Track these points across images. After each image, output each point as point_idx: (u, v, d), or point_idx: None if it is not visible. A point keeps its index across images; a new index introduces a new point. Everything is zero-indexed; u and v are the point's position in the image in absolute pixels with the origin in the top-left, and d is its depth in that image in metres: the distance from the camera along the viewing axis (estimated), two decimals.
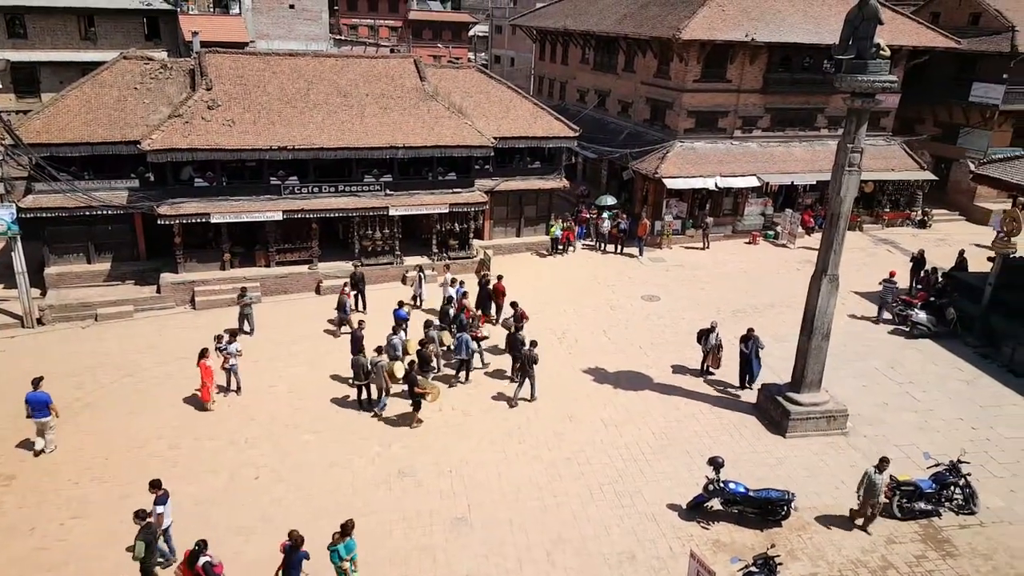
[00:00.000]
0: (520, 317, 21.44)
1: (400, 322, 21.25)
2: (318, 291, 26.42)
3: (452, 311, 22.06)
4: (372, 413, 18.67)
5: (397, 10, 74.59)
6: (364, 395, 18.96)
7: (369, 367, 18.53)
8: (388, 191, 27.05)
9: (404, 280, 27.11)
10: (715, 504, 15.15)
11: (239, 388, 19.38)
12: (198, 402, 18.63)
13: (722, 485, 14.90)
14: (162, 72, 27.19)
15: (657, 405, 19.48)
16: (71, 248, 25.31)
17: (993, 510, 15.65)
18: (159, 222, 24.42)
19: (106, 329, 23.19)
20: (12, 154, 22.55)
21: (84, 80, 26.14)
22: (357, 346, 19.39)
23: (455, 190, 28.00)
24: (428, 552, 13.94)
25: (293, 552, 12.13)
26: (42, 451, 16.54)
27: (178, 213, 24.46)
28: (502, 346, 21.93)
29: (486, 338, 22.04)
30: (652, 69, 35.18)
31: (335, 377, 20.42)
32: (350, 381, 19.51)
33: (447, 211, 27.72)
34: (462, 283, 23.66)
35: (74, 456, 16.48)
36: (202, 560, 12.00)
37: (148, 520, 12.47)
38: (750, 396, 19.97)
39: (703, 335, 20.93)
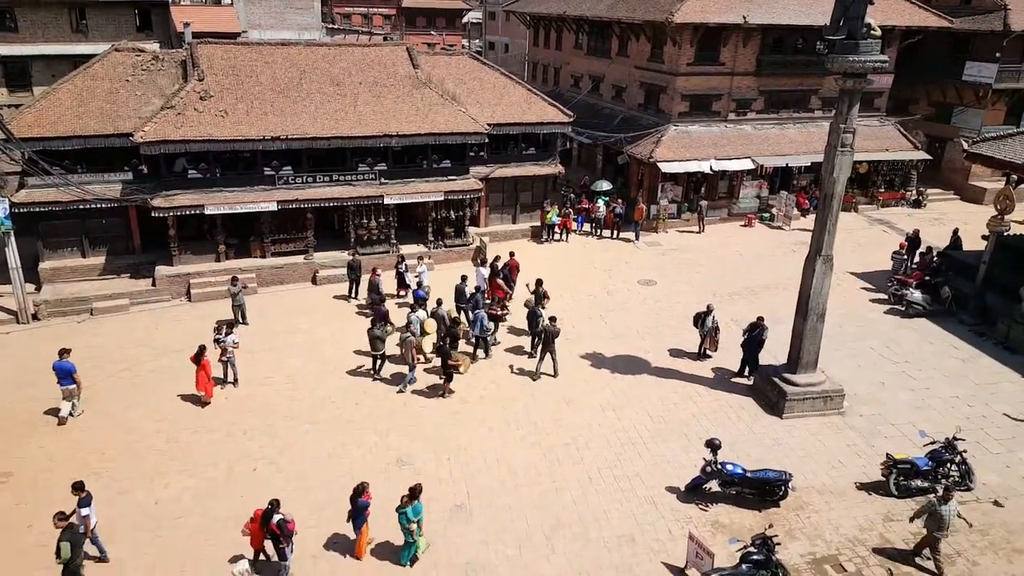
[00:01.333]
0: (542, 295, 21.92)
1: (419, 301, 21.84)
2: (314, 281, 26.41)
3: (468, 291, 22.35)
4: (398, 389, 19.25)
5: None
6: (379, 363, 19.93)
7: (384, 338, 19.68)
8: (383, 180, 26.98)
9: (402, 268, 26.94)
10: (713, 486, 15.25)
11: (236, 380, 19.41)
12: (196, 396, 18.63)
13: (720, 467, 14.98)
14: (154, 64, 27.04)
15: (655, 388, 19.56)
16: (65, 243, 25.23)
17: (989, 486, 15.77)
18: (153, 214, 24.36)
19: (102, 323, 23.18)
20: (4, 148, 22.45)
21: (76, 73, 26.00)
22: (381, 318, 20.38)
23: (450, 177, 27.95)
24: (428, 540, 14.01)
25: (356, 498, 13.21)
26: (68, 416, 17.50)
27: (172, 205, 24.39)
28: (519, 326, 22.42)
29: (504, 318, 22.54)
30: (646, 53, 35.04)
31: (332, 367, 20.45)
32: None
33: (442, 199, 27.67)
34: (486, 262, 24.73)
35: (71, 451, 16.50)
36: (276, 518, 12.56)
37: (70, 521, 12.39)
38: (747, 379, 20.04)
39: (699, 318, 20.97)
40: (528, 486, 15.59)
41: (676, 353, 21.55)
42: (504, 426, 17.74)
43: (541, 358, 20.13)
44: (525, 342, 21.88)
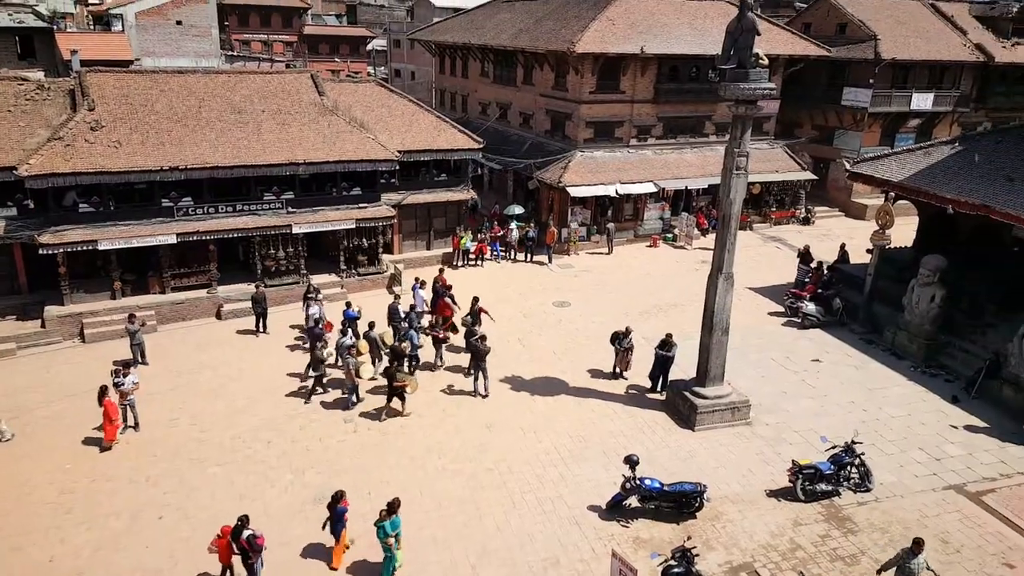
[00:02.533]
0: (478, 312, 22.44)
1: (350, 322, 21.76)
2: (219, 316, 25.47)
3: (404, 311, 22.52)
4: (345, 418, 19.18)
5: (291, 25, 73.07)
6: (317, 387, 20.12)
7: (325, 360, 19.98)
8: (290, 208, 26.43)
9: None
10: (633, 502, 15.54)
11: (137, 424, 18.37)
12: (93, 442, 17.55)
13: (638, 483, 15.29)
14: (39, 93, 25.62)
15: (573, 408, 19.83)
16: None
17: (886, 485, 16.75)
18: (41, 252, 22.97)
19: None
20: None
21: None
22: (317, 341, 20.48)
23: (361, 205, 27.66)
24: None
25: (335, 505, 13.68)
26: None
27: (62, 241, 23.08)
28: (458, 343, 22.72)
29: (448, 339, 22.50)
30: (550, 82, 35.91)
31: (241, 405, 19.72)
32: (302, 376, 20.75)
33: (354, 227, 27.33)
34: (424, 283, 24.93)
35: None
36: (245, 534, 12.83)
37: None
38: (659, 395, 20.62)
39: (617, 337, 21.37)
40: (452, 515, 15.45)
41: (593, 373, 21.94)
42: (425, 455, 17.55)
43: (476, 377, 20.43)
44: (463, 359, 21.94)
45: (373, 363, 21.42)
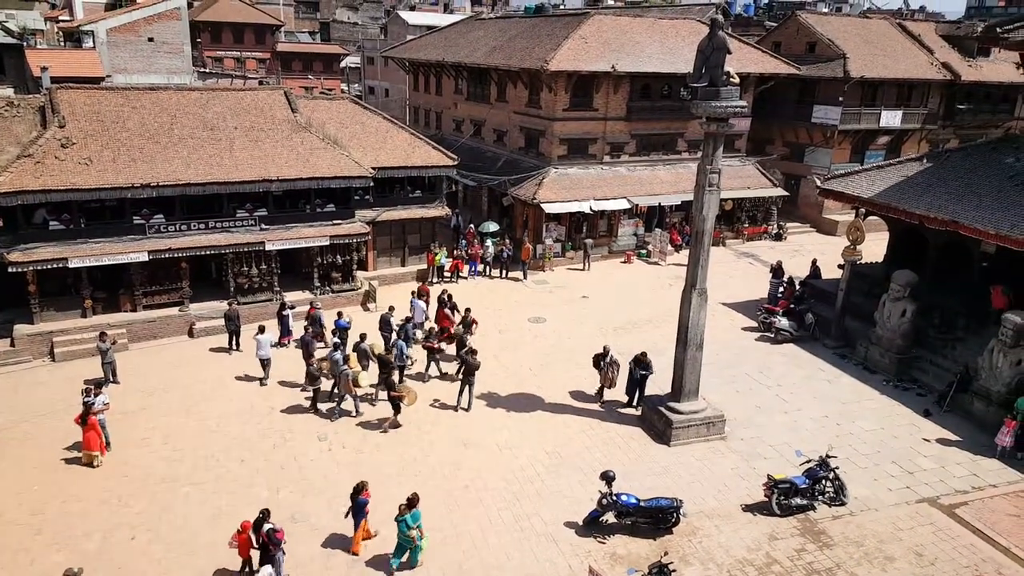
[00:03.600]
0: (470, 323, 23.15)
1: (341, 331, 22.21)
2: (191, 334, 25.14)
3: (398, 323, 23.19)
4: (332, 416, 19.81)
5: (264, 42, 72.82)
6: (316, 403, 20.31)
7: (318, 376, 20.20)
8: (264, 225, 26.24)
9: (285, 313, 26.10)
10: (610, 518, 15.53)
11: (108, 443, 18.03)
12: (65, 462, 17.20)
13: (615, 498, 15.30)
14: (8, 110, 25.27)
15: (549, 424, 19.82)
16: None
17: (861, 499, 16.92)
18: (10, 270, 22.55)
19: None
20: None
21: None
22: (309, 352, 21.24)
23: (335, 222, 27.55)
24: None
25: (356, 496, 14.52)
26: None
27: (32, 259, 22.70)
28: (449, 352, 23.03)
29: (441, 351, 22.75)
30: (524, 99, 36.16)
31: (214, 424, 19.44)
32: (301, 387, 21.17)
33: (328, 243, 27.19)
34: (424, 294, 25.87)
35: None
36: (266, 527, 13.44)
37: None
38: (635, 409, 20.68)
39: (598, 360, 20.98)
40: (429, 533, 15.29)
41: (568, 388, 21.94)
42: (400, 473, 17.41)
43: (461, 391, 20.54)
44: (453, 368, 22.08)
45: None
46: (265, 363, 21.71)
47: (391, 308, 24.22)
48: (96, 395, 17.89)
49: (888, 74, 39.81)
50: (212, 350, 24.15)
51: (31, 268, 22.74)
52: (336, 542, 14.98)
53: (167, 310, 25.30)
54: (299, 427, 19.41)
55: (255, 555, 13.83)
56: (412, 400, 20.16)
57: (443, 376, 22.39)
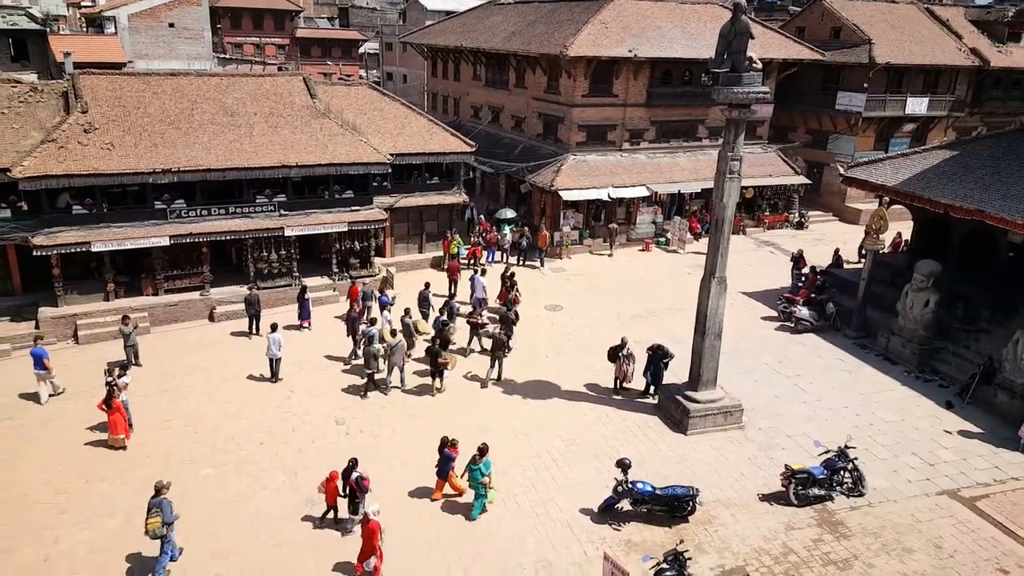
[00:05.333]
0: (514, 301, 24.10)
1: (383, 307, 23.30)
2: (211, 318, 25.39)
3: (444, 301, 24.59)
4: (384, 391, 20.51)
5: (283, 28, 72.95)
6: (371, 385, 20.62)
7: (377, 356, 20.25)
8: (283, 211, 26.37)
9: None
10: (625, 505, 15.54)
11: (131, 425, 18.32)
12: (89, 443, 17.49)
13: (630, 486, 15.29)
14: (32, 95, 25.52)
15: (565, 411, 19.83)
16: None
17: (879, 490, 16.77)
18: (35, 253, 22.88)
19: None
20: None
21: None
22: (358, 333, 22.05)
23: (353, 208, 27.63)
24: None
25: (443, 448, 15.62)
26: (51, 395, 19.47)
27: (55, 243, 23.00)
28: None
29: (485, 326, 23.55)
30: (543, 85, 35.95)
31: (234, 408, 19.65)
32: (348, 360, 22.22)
33: (346, 229, 27.29)
34: (485, 271, 26.93)
35: None
36: (355, 475, 14.43)
37: None
38: (652, 398, 20.62)
39: (615, 352, 20.75)
40: (444, 518, 15.43)
41: (585, 377, 21.90)
42: (419, 458, 17.47)
43: (492, 365, 21.15)
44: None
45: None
46: (274, 362, 21.03)
47: (427, 284, 25.29)
48: (120, 376, 18.16)
49: (914, 60, 39.14)
50: (232, 334, 24.38)
51: (55, 252, 23.05)
52: (421, 492, 15.83)
53: (188, 294, 25.56)
54: (317, 411, 19.57)
55: (342, 503, 14.81)
56: (453, 364, 21.15)
57: (483, 352, 22.67)
